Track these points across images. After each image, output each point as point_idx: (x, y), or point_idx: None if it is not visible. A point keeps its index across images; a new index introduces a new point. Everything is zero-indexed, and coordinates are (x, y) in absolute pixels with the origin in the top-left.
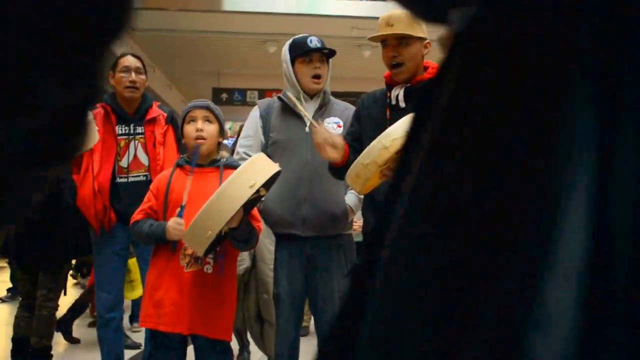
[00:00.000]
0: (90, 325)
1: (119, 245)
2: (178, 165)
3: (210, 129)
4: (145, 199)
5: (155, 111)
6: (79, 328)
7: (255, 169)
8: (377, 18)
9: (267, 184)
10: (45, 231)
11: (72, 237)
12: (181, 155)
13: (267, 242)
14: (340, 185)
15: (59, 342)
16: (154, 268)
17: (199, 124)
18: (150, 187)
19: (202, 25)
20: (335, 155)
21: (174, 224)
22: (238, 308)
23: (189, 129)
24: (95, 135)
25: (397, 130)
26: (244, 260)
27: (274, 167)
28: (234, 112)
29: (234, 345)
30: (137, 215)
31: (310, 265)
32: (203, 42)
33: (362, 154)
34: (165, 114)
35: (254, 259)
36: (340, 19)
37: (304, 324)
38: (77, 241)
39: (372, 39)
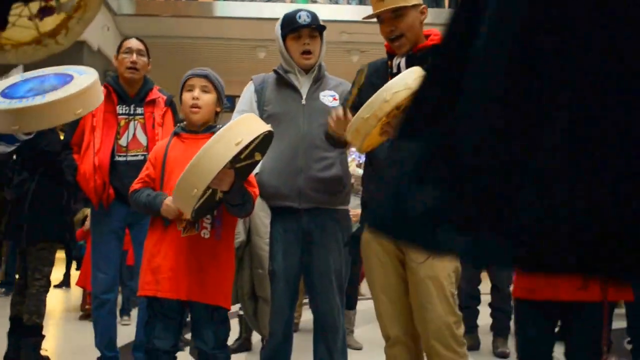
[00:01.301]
0: (82, 318)
1: (117, 223)
2: (175, 134)
3: (207, 98)
4: (144, 168)
5: (155, 94)
6: (69, 322)
7: (243, 127)
8: (364, 22)
9: (262, 148)
10: (24, 208)
11: (49, 217)
12: (178, 124)
13: (262, 215)
14: (337, 155)
15: (50, 335)
16: (152, 235)
17: (196, 93)
18: (149, 156)
19: (194, 31)
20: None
21: (170, 203)
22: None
23: (186, 97)
24: (100, 95)
25: (399, 83)
26: (239, 233)
27: (264, 127)
28: (222, 119)
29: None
30: (135, 184)
31: (307, 240)
32: (193, 49)
33: (362, 108)
34: (165, 97)
35: (248, 233)
36: (328, 24)
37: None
38: (56, 223)
39: (367, 18)
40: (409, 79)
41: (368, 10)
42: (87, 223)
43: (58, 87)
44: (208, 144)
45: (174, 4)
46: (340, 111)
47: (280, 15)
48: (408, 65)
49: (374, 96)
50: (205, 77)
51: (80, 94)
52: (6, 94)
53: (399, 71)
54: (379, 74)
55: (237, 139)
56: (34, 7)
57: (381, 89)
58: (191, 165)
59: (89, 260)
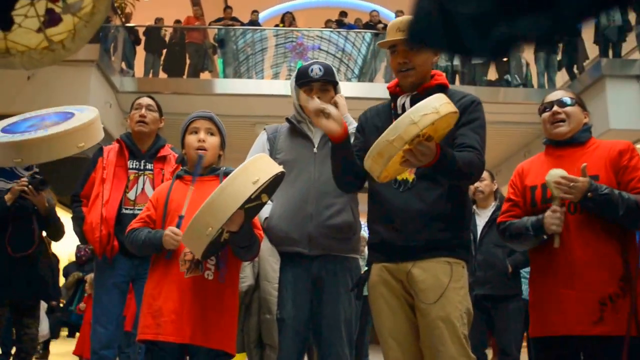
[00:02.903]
0: None
1: (120, 277)
2: (178, 177)
3: (213, 140)
4: (145, 209)
5: (167, 151)
6: None
7: (259, 166)
8: (362, 98)
9: (270, 189)
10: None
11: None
12: (182, 167)
13: (271, 260)
14: (347, 201)
15: None
16: (152, 276)
17: (202, 135)
18: (150, 197)
19: (194, 108)
20: (332, 125)
21: (171, 233)
22: (238, 332)
23: (191, 139)
24: (101, 132)
25: (427, 106)
26: (246, 277)
27: (277, 167)
28: None
29: None
30: (134, 224)
31: (317, 288)
32: None
33: (386, 131)
34: (177, 155)
35: (257, 277)
36: None
37: None
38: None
39: (381, 44)
40: (436, 103)
41: (364, 86)
42: (82, 305)
43: (59, 123)
44: (225, 182)
45: (174, 81)
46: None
47: (279, 92)
48: (412, 104)
49: (399, 119)
50: (210, 119)
51: (83, 128)
52: (7, 130)
53: (403, 111)
54: (381, 117)
55: (254, 177)
56: (41, 7)
57: (408, 111)
58: (207, 204)
59: (86, 329)
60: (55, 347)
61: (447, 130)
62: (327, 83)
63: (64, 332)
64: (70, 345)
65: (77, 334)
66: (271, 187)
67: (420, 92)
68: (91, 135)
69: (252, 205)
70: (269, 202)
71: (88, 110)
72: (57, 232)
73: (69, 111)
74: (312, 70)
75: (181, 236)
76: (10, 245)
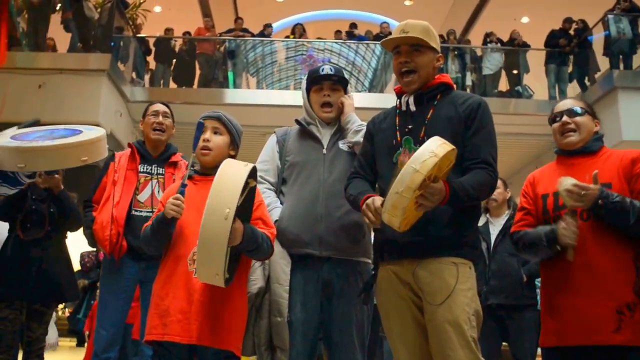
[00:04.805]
0: None
1: (127, 280)
2: (189, 177)
3: (218, 139)
4: (157, 210)
5: (178, 157)
6: None
7: (225, 191)
8: (372, 109)
9: (251, 175)
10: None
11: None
12: (190, 168)
13: (282, 262)
14: None
15: None
16: (160, 277)
17: (207, 135)
18: (161, 198)
19: None
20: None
21: (172, 200)
22: (248, 335)
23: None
24: (106, 150)
25: (424, 152)
26: (257, 279)
27: (243, 171)
28: None
29: None
30: (147, 224)
31: (327, 291)
32: None
33: (394, 184)
34: (187, 162)
35: (267, 280)
36: None
37: None
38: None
39: (385, 43)
40: (432, 146)
41: (372, 97)
42: (87, 324)
43: (67, 137)
44: (202, 226)
45: (185, 91)
46: (378, 202)
47: (289, 102)
48: (416, 101)
49: (403, 170)
50: (217, 118)
51: (88, 143)
52: (16, 137)
53: (407, 109)
54: (389, 118)
55: (224, 211)
56: None
57: (409, 161)
58: (200, 256)
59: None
60: (63, 356)
61: (451, 166)
62: (337, 83)
63: (72, 342)
64: (78, 354)
65: (86, 344)
66: (251, 174)
67: (423, 90)
68: (95, 151)
69: (243, 200)
70: (279, 205)
71: (96, 130)
72: (75, 221)
73: (77, 128)
74: (322, 69)
75: (182, 200)
76: (22, 230)
